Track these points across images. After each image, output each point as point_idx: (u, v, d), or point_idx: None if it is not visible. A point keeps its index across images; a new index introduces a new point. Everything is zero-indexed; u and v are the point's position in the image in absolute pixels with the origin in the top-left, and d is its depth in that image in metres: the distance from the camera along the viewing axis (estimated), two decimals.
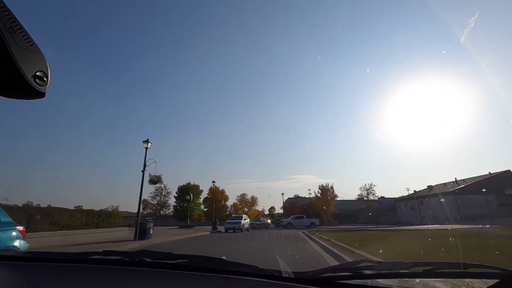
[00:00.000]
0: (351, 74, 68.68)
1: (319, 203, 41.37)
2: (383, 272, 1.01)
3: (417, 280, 1.00)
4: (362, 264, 1.05)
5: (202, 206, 53.34)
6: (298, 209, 44.39)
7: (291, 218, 31.84)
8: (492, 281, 0.87)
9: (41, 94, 0.47)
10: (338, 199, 44.33)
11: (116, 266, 1.06)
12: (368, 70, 61.83)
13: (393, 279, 0.98)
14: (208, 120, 73.23)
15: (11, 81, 0.44)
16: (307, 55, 63.96)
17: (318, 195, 43.91)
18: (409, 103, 60.34)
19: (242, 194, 56.03)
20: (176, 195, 51.71)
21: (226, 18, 65.45)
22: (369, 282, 0.95)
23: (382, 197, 51.55)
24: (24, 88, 0.45)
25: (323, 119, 73.81)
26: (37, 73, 0.46)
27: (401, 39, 60.79)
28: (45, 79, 0.47)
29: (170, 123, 72.41)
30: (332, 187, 43.16)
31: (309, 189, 61.35)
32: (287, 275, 0.94)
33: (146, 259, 1.06)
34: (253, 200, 55.84)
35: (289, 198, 57.81)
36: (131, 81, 68.22)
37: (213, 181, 43.64)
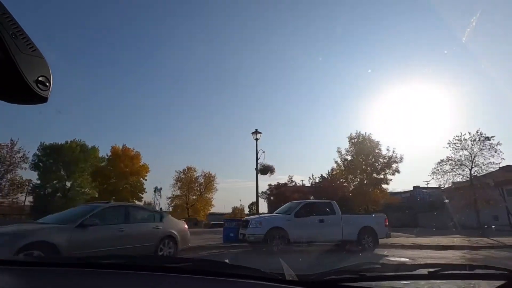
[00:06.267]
0: (353, 75, 72.76)
1: (355, 170, 18.78)
2: (387, 274, 1.10)
3: (422, 282, 1.07)
4: (366, 267, 1.17)
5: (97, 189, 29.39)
6: (297, 194, 21.85)
7: (283, 212, 9.22)
8: (498, 283, 0.93)
9: (43, 99, 0.52)
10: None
11: (120, 270, 1.14)
12: (369, 71, 66.88)
13: (397, 281, 1.05)
14: (204, 118, 73.93)
15: (14, 86, 0.49)
16: (308, 56, 69.17)
17: (349, 158, 21.15)
18: (410, 103, 64.41)
19: (186, 168, 32.79)
20: (33, 164, 27.43)
21: (225, 19, 70.91)
22: (373, 284, 1.02)
23: (418, 186, 38.48)
24: (27, 93, 0.50)
25: (323, 119, 76.97)
26: (40, 78, 0.51)
27: (403, 39, 65.54)
28: (47, 84, 0.52)
29: (164, 121, 71.32)
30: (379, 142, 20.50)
31: (312, 176, 37.22)
32: (290, 278, 1.00)
33: (150, 263, 1.24)
34: (208, 180, 32.88)
35: (278, 184, 35.49)
36: (114, 72, 67.63)
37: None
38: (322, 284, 0.99)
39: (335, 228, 9.29)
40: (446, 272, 1.09)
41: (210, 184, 33.13)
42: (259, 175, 12.17)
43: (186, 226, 7.56)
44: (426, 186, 38.88)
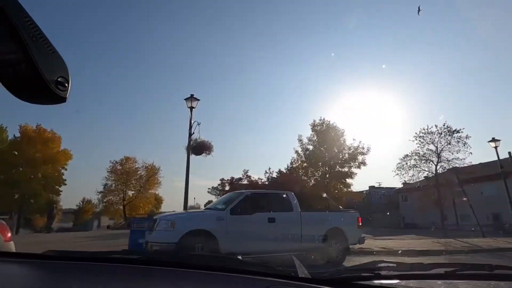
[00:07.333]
0: (366, 71, 70.22)
1: (316, 162, 16.54)
2: (402, 273, 1.07)
3: (439, 282, 1.05)
4: (380, 265, 1.13)
5: None
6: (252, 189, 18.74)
7: (215, 207, 5.95)
8: None
9: (62, 99, 0.54)
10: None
11: (134, 265, 1.14)
12: (384, 66, 63.16)
13: (412, 281, 1.04)
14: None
15: (34, 87, 0.51)
16: (320, 53, 68.11)
17: (310, 148, 18.82)
18: (370, 106, 63.11)
19: (124, 158, 28.10)
20: None
21: (233, 14, 69.14)
22: (388, 283, 1.00)
23: (373, 186, 39.44)
24: (47, 93, 0.52)
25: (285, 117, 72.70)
26: (59, 79, 0.53)
27: (419, 32, 61.11)
28: (66, 84, 0.54)
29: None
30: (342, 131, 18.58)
31: (269, 169, 32.88)
32: (303, 275, 1.00)
33: (163, 258, 1.23)
34: (151, 173, 28.52)
35: (232, 178, 32.21)
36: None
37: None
38: (336, 282, 0.99)
39: (291, 230, 6.38)
40: (465, 272, 1.07)
41: (153, 178, 28.74)
42: (191, 155, 8.89)
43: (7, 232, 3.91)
44: (379, 186, 39.68)
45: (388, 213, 31.97)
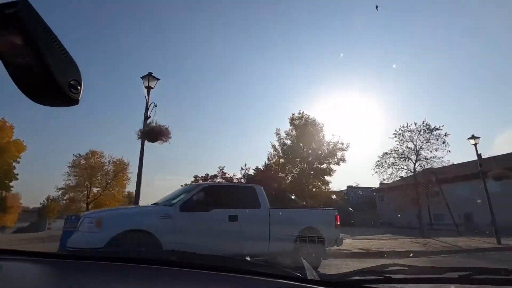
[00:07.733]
0: (376, 71, 65.87)
1: (294, 158, 15.76)
2: (414, 277, 1.05)
3: (452, 286, 1.04)
4: (391, 268, 1.10)
5: None
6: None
7: (164, 202, 4.72)
8: None
9: (75, 102, 0.56)
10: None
11: (146, 265, 1.15)
12: (394, 66, 58.39)
13: (425, 285, 1.04)
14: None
15: (48, 90, 0.53)
16: (328, 54, 67.80)
17: (288, 143, 17.95)
18: (351, 106, 59.19)
19: (90, 152, 25.97)
20: None
21: (240, 15, 68.04)
22: (398, 286, 0.99)
23: (351, 186, 39.84)
24: (60, 96, 0.54)
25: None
26: (71, 82, 0.55)
27: (429, 29, 59.11)
28: (78, 87, 0.56)
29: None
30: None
31: (245, 166, 32.34)
32: (312, 277, 0.99)
33: (171, 258, 1.22)
34: (120, 168, 26.59)
35: (206, 175, 30.85)
36: None
37: None
38: (345, 285, 0.98)
39: (258, 231, 5.32)
40: (479, 276, 1.03)
41: (121, 174, 26.71)
42: (145, 141, 7.58)
43: None
44: (357, 186, 40.04)
45: (365, 213, 32.20)
